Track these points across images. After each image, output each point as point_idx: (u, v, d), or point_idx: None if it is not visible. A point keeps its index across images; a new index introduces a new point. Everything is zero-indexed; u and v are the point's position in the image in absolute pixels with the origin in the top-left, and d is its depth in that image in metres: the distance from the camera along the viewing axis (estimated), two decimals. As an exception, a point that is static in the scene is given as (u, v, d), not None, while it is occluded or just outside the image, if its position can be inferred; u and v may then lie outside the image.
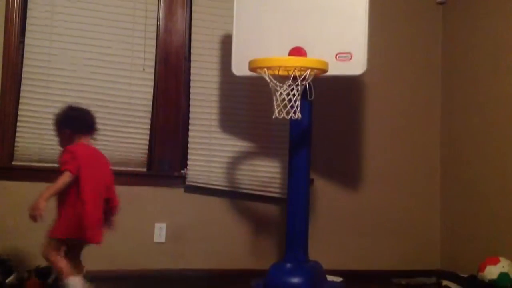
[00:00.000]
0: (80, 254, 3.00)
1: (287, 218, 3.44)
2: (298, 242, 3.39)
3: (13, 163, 3.64)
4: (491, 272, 3.39)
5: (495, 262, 3.42)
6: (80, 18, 3.75)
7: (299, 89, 3.10)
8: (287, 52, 3.30)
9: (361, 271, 4.06)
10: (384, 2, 4.17)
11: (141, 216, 3.82)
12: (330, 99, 4.04)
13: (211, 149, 3.95)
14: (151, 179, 3.89)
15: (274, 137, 3.99)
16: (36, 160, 3.66)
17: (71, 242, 2.90)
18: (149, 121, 3.90)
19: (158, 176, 3.91)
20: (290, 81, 3.08)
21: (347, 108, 4.25)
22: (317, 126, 3.68)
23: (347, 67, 3.27)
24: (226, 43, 3.85)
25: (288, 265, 3.29)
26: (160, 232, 3.86)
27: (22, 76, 3.67)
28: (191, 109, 3.95)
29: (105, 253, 3.64)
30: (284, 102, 3.10)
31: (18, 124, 3.65)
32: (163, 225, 3.87)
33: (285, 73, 3.11)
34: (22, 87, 3.66)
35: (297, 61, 3.15)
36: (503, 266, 3.40)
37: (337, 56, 3.26)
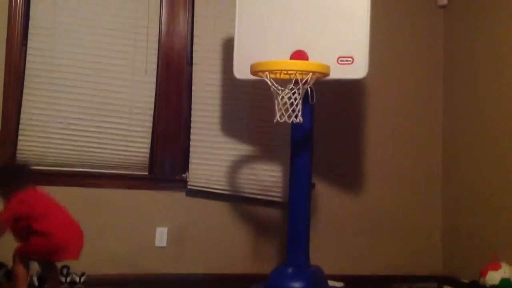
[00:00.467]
0: None
1: (288, 222, 3.43)
2: (299, 246, 3.38)
3: (15, 166, 3.64)
4: (493, 277, 3.39)
5: (497, 268, 3.41)
6: (82, 21, 3.76)
7: (300, 92, 3.09)
8: (289, 55, 3.30)
9: (362, 276, 4.05)
10: (386, 6, 4.17)
11: (142, 220, 3.82)
12: (332, 102, 4.04)
13: (212, 153, 3.95)
14: (153, 183, 3.89)
15: (276, 141, 3.98)
16: (38, 163, 3.66)
17: None
18: (150, 125, 3.90)
19: (159, 180, 3.91)
20: (291, 85, 3.08)
21: (349, 111, 4.25)
22: (318, 129, 3.68)
23: (349, 70, 3.26)
24: (228, 46, 3.86)
25: (289, 269, 3.28)
26: (161, 236, 3.85)
27: (25, 79, 3.67)
28: (192, 112, 3.95)
29: (106, 257, 3.65)
30: (285, 106, 3.10)
31: (20, 127, 3.65)
32: (165, 229, 3.86)
33: (287, 76, 3.11)
34: (25, 90, 3.67)
35: (298, 64, 3.15)
36: (504, 272, 3.39)
37: (338, 60, 3.25)
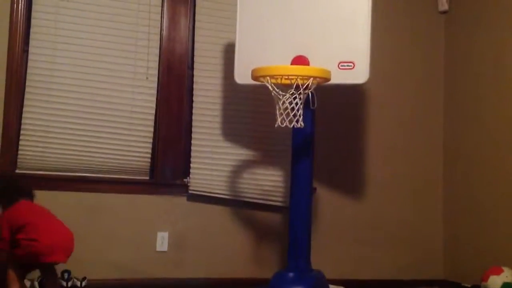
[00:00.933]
0: None
1: (289, 227, 3.43)
2: (301, 251, 3.37)
3: (16, 171, 3.64)
4: (495, 282, 3.38)
5: (499, 272, 3.41)
6: (83, 27, 3.77)
7: (301, 97, 3.10)
8: (290, 60, 3.30)
9: (364, 281, 4.05)
10: (387, 11, 4.18)
11: (144, 224, 3.81)
12: (333, 107, 4.04)
13: (213, 158, 3.95)
14: (154, 188, 3.89)
15: (277, 146, 3.99)
16: (39, 168, 3.66)
17: None
18: (152, 130, 3.91)
19: (160, 185, 3.91)
20: (292, 90, 3.09)
21: (350, 116, 4.25)
22: (319, 134, 3.68)
23: (350, 75, 3.27)
24: (229, 51, 3.86)
25: (291, 274, 3.27)
26: (162, 241, 3.85)
27: (26, 84, 3.67)
28: (194, 117, 3.96)
29: (107, 262, 3.65)
30: (286, 111, 3.10)
31: (21, 132, 3.65)
32: (166, 234, 3.86)
33: (288, 81, 3.11)
34: (26, 96, 3.67)
35: (299, 70, 3.16)
36: (506, 276, 3.39)
37: (339, 65, 3.26)
